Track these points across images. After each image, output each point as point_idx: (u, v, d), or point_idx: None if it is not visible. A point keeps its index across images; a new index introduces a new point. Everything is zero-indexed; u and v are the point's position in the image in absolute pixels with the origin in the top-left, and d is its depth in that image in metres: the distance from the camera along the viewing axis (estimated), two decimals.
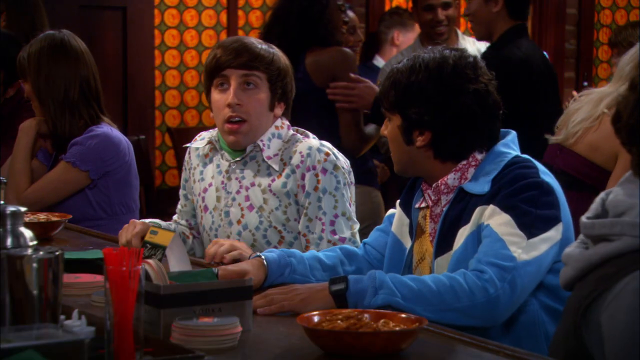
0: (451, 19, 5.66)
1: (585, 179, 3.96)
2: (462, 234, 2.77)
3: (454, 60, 2.81)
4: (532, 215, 2.68)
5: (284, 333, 2.50)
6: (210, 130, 3.62)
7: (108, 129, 4.16)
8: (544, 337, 2.76)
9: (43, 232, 3.57)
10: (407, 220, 2.98)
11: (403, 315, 2.39)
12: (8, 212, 2.52)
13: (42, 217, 3.73)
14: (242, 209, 3.44)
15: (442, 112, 2.80)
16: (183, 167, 3.69)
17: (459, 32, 5.82)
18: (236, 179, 3.45)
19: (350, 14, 6.03)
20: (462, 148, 2.84)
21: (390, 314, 2.41)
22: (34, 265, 2.21)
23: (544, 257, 2.67)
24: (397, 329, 2.32)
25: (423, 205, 2.92)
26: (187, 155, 3.66)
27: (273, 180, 3.39)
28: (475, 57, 2.86)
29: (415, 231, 2.94)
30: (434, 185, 2.87)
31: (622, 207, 2.27)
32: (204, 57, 7.58)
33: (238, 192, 3.45)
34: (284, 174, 3.38)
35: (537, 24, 8.75)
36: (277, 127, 3.44)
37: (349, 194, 3.39)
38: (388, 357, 2.28)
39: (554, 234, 2.69)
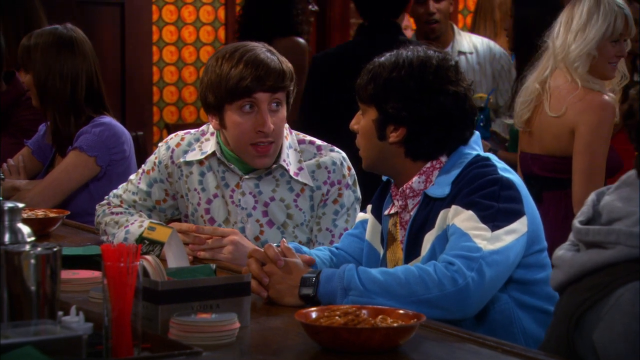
0: (444, 12, 5.59)
1: (557, 175, 4.07)
2: (429, 240, 2.79)
3: (438, 61, 2.84)
4: (494, 208, 2.70)
5: (282, 329, 2.50)
6: (191, 131, 3.47)
7: (111, 119, 4.16)
8: (521, 334, 2.77)
9: (41, 228, 3.56)
10: (379, 227, 2.99)
11: (401, 311, 2.40)
12: (6, 208, 2.52)
13: (40, 213, 3.73)
14: (260, 225, 3.37)
15: (420, 109, 2.81)
16: (154, 162, 3.46)
17: (456, 28, 5.79)
18: (250, 193, 3.36)
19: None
20: (434, 148, 2.85)
21: (389, 309, 2.41)
22: (32, 261, 2.21)
23: (510, 248, 2.68)
24: (395, 324, 2.32)
25: (392, 211, 2.94)
26: (166, 152, 3.44)
27: (298, 195, 3.35)
28: (456, 62, 2.90)
29: (387, 239, 2.96)
30: (400, 190, 2.89)
31: (617, 213, 2.26)
32: (202, 54, 7.58)
33: (254, 207, 3.36)
34: (307, 187, 3.35)
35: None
36: (285, 137, 3.36)
37: (359, 209, 3.39)
38: (386, 353, 2.29)
39: (518, 226, 2.71)
